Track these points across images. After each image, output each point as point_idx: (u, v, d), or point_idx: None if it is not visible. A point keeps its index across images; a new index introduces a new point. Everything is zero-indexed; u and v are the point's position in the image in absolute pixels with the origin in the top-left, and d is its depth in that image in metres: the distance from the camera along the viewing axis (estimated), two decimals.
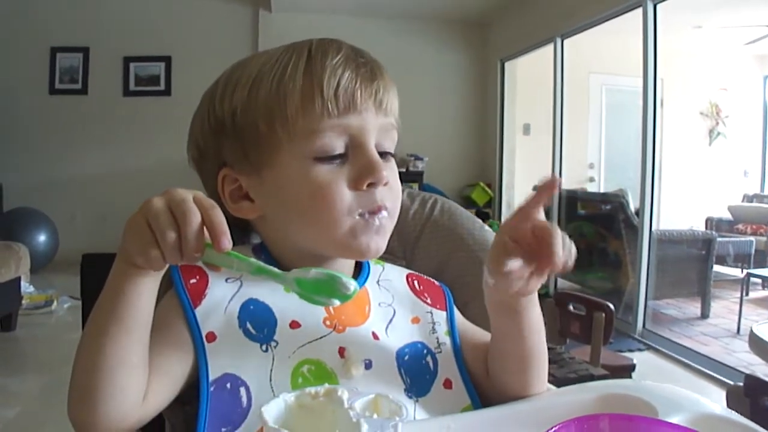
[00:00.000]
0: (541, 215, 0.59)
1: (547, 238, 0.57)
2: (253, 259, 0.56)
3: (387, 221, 0.68)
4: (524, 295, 0.62)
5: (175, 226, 0.51)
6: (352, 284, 0.54)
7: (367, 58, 0.68)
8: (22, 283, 3.84)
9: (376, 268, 0.77)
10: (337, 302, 0.55)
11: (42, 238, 5.17)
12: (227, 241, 0.52)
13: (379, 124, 0.67)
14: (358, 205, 0.65)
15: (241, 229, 0.78)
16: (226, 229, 0.52)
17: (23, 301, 3.89)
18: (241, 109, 0.66)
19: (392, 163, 0.70)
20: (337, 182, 0.65)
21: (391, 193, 0.68)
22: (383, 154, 0.68)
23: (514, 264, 0.57)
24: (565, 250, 0.58)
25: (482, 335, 0.77)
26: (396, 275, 0.78)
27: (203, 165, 0.72)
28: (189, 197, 0.53)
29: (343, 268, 0.73)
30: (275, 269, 0.56)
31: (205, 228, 0.52)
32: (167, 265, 0.55)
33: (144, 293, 0.56)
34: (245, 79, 0.67)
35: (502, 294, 0.62)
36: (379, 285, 0.75)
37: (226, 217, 0.53)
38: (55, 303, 4.16)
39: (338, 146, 0.65)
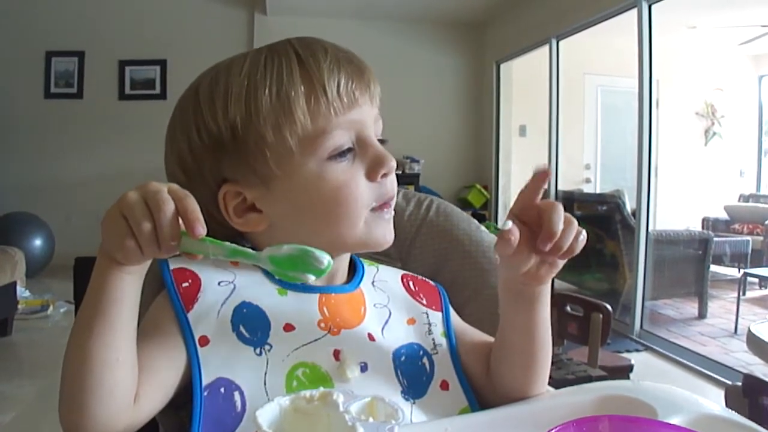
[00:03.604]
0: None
1: (547, 210, 0.60)
2: (227, 243, 0.55)
3: (392, 210, 0.71)
4: (536, 282, 0.64)
5: (149, 216, 0.52)
6: (326, 258, 0.53)
7: (348, 53, 0.69)
8: (18, 287, 3.84)
9: (370, 269, 0.76)
10: (312, 277, 0.54)
11: (38, 242, 5.15)
12: (201, 228, 0.52)
13: (373, 114, 0.70)
14: (374, 198, 0.68)
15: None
16: (200, 216, 0.52)
17: (19, 306, 3.88)
18: (241, 123, 0.64)
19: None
20: (355, 177, 0.66)
21: (395, 181, 0.71)
22: (379, 142, 0.70)
23: (509, 224, 0.59)
24: (569, 229, 0.60)
25: (479, 335, 0.77)
26: (391, 276, 0.77)
27: (193, 186, 0.67)
28: (163, 188, 0.53)
29: (338, 268, 0.72)
30: (249, 250, 0.55)
31: (180, 217, 0.52)
32: (148, 261, 0.55)
33: (127, 290, 0.55)
34: (236, 90, 0.65)
35: (511, 275, 0.63)
36: (374, 286, 0.74)
37: (217, 232, 0.53)
38: (51, 307, 4.15)
39: (347, 142, 0.67)
